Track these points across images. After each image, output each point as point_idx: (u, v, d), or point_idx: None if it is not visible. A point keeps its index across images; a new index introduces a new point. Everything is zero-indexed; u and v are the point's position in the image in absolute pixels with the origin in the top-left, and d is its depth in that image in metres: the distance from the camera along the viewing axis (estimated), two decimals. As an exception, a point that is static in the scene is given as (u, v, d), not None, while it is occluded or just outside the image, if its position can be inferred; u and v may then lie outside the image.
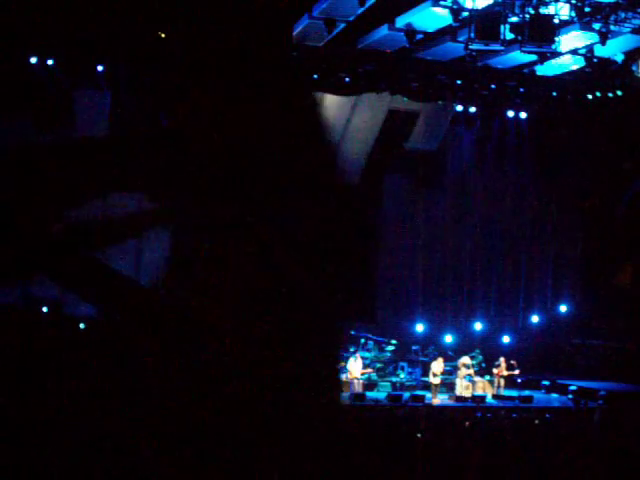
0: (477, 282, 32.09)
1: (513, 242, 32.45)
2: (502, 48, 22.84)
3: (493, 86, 27.41)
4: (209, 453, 7.86)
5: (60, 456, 8.02)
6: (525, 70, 27.02)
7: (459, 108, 29.91)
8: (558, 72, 26.90)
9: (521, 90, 27.68)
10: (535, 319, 32.07)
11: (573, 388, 26.95)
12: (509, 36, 22.24)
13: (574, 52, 24.75)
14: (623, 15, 22.28)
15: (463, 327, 31.10)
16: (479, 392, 26.66)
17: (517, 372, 26.88)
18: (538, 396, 26.83)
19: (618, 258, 32.08)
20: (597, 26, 22.58)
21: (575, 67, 26.22)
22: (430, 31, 24.04)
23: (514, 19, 22.04)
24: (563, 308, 32.32)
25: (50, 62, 24.58)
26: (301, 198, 8.64)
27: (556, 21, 21.97)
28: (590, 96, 27.57)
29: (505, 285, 32.32)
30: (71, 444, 8.13)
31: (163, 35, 22.95)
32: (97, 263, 7.43)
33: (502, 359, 27.12)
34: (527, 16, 21.83)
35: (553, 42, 21.98)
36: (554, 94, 27.83)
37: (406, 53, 25.44)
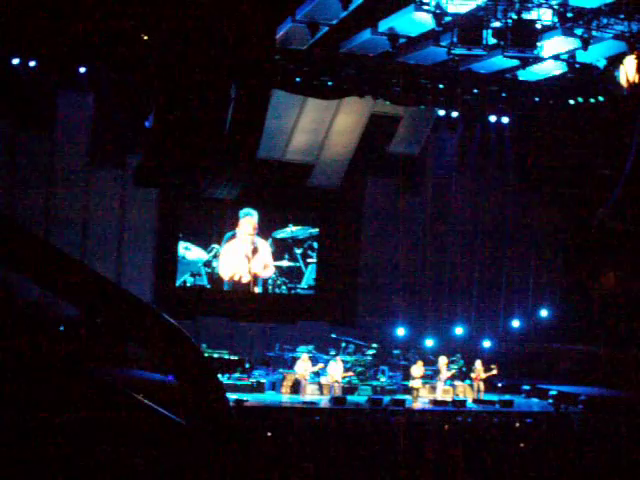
0: (458, 286, 32.13)
1: (494, 246, 32.50)
2: (484, 53, 22.92)
3: (475, 91, 27.45)
4: None
5: None
6: (507, 75, 27.07)
7: (441, 112, 29.90)
8: (540, 77, 26.98)
9: (503, 95, 27.74)
10: (516, 324, 32.09)
11: (553, 393, 26.99)
12: (491, 41, 22.32)
13: (556, 57, 24.82)
14: (605, 21, 22.35)
15: (444, 331, 31.10)
16: (459, 396, 26.71)
17: (495, 372, 26.86)
18: (518, 400, 26.85)
19: (599, 264, 32.17)
20: (579, 32, 22.64)
21: (557, 72, 26.29)
22: (413, 35, 24.06)
23: (496, 24, 22.09)
24: (544, 313, 32.37)
25: (32, 63, 24.49)
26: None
27: (538, 26, 22.00)
28: (572, 101, 27.65)
29: (486, 289, 32.37)
30: None
31: (146, 37, 22.97)
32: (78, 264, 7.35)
33: (478, 362, 27.09)
34: (509, 21, 21.89)
35: (535, 47, 22.04)
36: (536, 99, 27.88)
37: (389, 57, 25.45)
